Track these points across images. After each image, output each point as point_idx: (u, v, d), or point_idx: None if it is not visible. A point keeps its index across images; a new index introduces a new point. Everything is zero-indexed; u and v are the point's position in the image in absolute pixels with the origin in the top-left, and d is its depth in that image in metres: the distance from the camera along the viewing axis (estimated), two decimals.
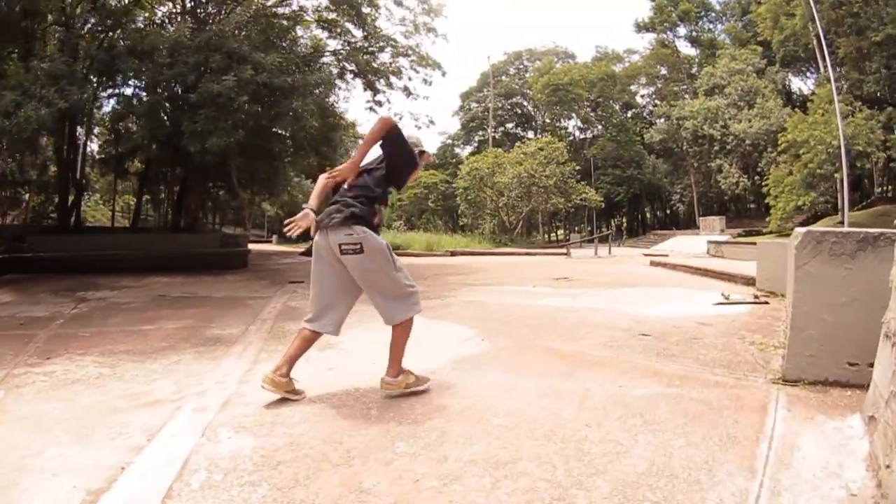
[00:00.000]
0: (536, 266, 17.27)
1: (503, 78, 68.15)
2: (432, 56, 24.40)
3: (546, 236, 58.56)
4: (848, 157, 27.06)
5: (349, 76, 23.21)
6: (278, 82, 15.44)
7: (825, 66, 36.90)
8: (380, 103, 24.00)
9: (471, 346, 5.32)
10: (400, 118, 24.37)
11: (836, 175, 31.58)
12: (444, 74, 24.97)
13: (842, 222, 33.99)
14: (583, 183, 45.24)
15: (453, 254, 23.69)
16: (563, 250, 25.95)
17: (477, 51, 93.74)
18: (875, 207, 38.54)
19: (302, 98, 16.89)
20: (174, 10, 19.72)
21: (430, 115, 27.36)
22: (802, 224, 37.81)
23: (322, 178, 3.67)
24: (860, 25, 34.01)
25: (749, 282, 10.79)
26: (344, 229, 3.36)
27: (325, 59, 22.48)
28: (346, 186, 3.54)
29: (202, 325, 6.75)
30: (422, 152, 3.88)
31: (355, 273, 3.49)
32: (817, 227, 3.96)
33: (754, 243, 15.78)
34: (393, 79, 23.73)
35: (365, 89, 23.59)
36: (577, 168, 44.50)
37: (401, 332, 3.61)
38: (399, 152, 3.57)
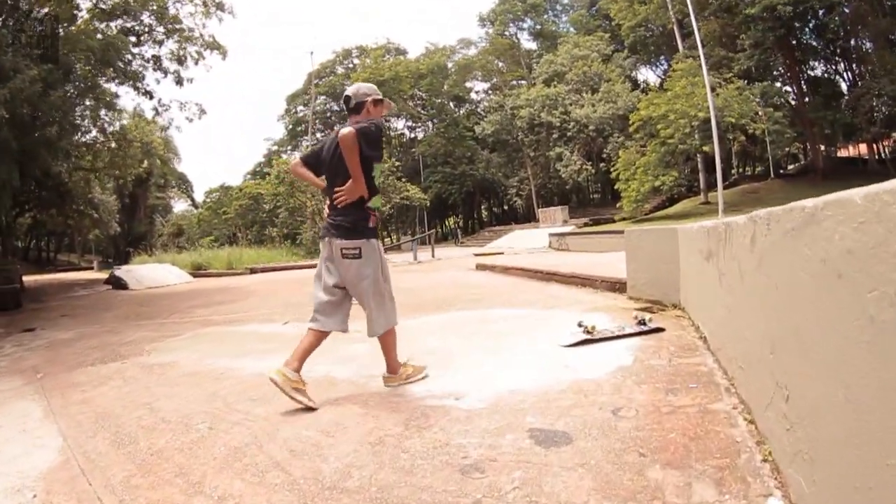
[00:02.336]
0: (302, 286, 14.34)
1: (331, 77, 66.22)
2: (217, 38, 23.30)
3: (389, 240, 56.28)
4: (718, 129, 25.79)
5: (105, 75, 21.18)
6: None
7: (685, 45, 37.23)
8: (150, 94, 22.93)
9: None
10: (166, 108, 24.39)
11: (704, 149, 30.63)
12: (224, 57, 23.73)
13: (707, 202, 33.35)
14: (404, 180, 43.26)
15: (253, 271, 22.21)
16: None
17: (312, 52, 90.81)
18: (740, 186, 38.95)
19: None
20: None
21: (199, 102, 24.74)
22: (658, 208, 37.15)
23: (300, 166, 4.07)
24: (729, 3, 33.94)
25: (616, 287, 7.91)
26: (345, 239, 3.73)
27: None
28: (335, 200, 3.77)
29: None
30: (377, 101, 3.95)
31: (349, 278, 3.81)
32: None
33: (618, 232, 13.42)
34: (167, 63, 22.34)
35: (119, 81, 21.80)
36: (398, 165, 42.92)
37: (388, 339, 3.97)
38: (371, 153, 3.69)
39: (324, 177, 3.98)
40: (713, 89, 26.89)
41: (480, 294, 9.16)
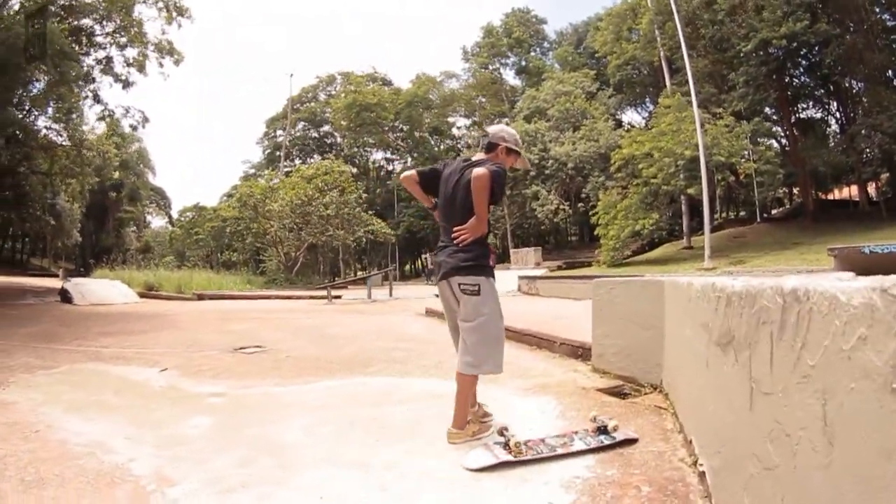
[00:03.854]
0: (247, 320, 13.07)
1: (311, 103, 65.66)
2: (173, 42, 23.08)
3: (352, 273, 55.01)
4: (706, 169, 24.69)
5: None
6: None
7: (673, 82, 36.46)
8: (98, 98, 22.82)
9: None
10: (110, 115, 24.78)
11: (689, 190, 29.25)
12: (177, 63, 23.41)
13: (689, 247, 31.88)
14: (371, 213, 42.08)
15: (200, 297, 21.22)
16: (325, 293, 20.94)
17: (292, 75, 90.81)
18: (724, 230, 37.74)
19: None
20: None
21: (142, 109, 26.05)
22: (638, 252, 35.65)
23: (414, 181, 3.97)
24: (721, 37, 33.29)
25: (579, 353, 6.26)
26: (465, 275, 3.60)
27: None
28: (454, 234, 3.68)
29: None
30: (510, 150, 3.89)
31: (463, 313, 3.63)
32: None
33: (588, 277, 12.07)
34: (119, 68, 22.17)
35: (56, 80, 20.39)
36: (365, 197, 41.75)
37: (466, 385, 3.65)
38: (498, 197, 3.64)
39: (435, 201, 3.98)
40: (702, 125, 25.61)
41: (409, 351, 7.54)
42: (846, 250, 7.15)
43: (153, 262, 42.34)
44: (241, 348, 8.10)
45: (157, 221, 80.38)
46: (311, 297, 21.78)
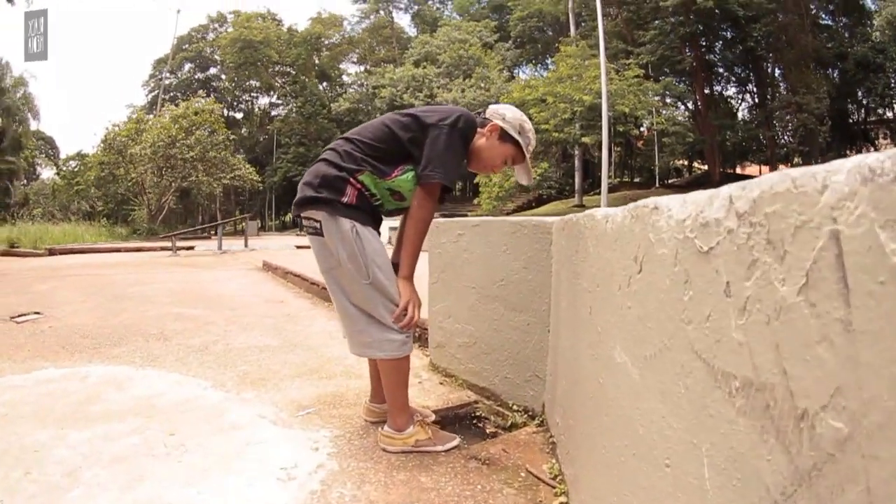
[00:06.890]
0: (64, 277, 11.14)
1: (200, 43, 63.08)
2: None
3: (232, 225, 52.90)
4: (608, 119, 23.60)
5: None
6: None
7: (577, 28, 35.90)
8: None
9: None
10: None
11: (584, 140, 28.19)
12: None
13: (581, 205, 30.79)
14: (238, 156, 40.07)
15: (52, 252, 19.85)
16: (170, 245, 19.79)
17: (179, 11, 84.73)
18: (620, 192, 36.80)
19: None
20: None
21: None
22: (523, 208, 34.51)
23: None
24: None
25: (422, 334, 4.32)
26: (306, 206, 2.49)
27: None
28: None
29: None
30: (506, 136, 2.54)
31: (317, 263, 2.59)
32: None
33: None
34: None
35: None
36: (233, 139, 39.25)
37: (391, 370, 2.49)
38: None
39: None
40: (607, 73, 24.32)
41: (190, 322, 5.75)
42: None
43: (21, 217, 39.39)
44: (18, 315, 6.51)
45: (46, 173, 75.39)
46: (162, 249, 20.74)
